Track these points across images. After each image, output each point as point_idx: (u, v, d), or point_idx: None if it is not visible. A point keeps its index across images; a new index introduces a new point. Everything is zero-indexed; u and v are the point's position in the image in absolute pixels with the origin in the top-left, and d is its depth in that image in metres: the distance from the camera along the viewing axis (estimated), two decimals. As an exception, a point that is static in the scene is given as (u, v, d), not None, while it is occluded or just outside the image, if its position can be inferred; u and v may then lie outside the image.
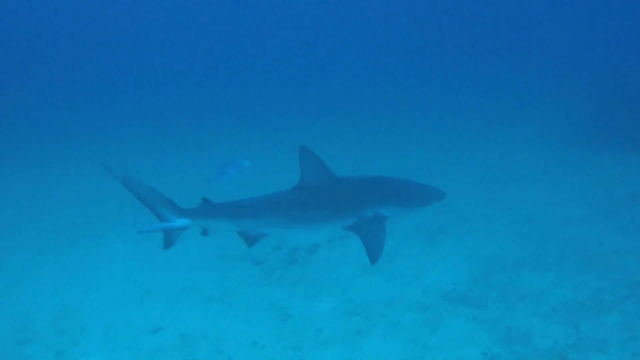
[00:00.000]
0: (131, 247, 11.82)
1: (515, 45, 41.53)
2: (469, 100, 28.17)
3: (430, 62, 41.02)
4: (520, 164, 16.08)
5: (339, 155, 16.31)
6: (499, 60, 38.35)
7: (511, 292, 8.85)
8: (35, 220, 13.99)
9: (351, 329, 8.28)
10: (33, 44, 51.27)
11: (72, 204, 15.26)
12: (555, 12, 44.18)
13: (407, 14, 50.94)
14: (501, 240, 10.87)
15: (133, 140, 24.53)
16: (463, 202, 12.72)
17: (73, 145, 24.08)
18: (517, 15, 46.38)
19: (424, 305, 8.72)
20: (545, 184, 14.14)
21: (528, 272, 9.47)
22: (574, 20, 41.66)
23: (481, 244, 10.79)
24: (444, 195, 7.14)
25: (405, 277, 9.69)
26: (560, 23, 42.01)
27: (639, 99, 18.86)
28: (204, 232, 7.31)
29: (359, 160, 17.56)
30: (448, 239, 11.17)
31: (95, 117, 30.87)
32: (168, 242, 7.40)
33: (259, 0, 54.09)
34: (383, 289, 9.36)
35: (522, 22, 44.95)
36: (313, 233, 11.50)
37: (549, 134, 19.86)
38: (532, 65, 35.10)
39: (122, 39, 53.82)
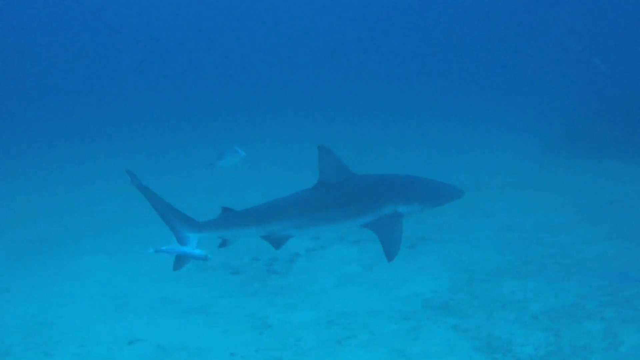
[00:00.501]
0: (108, 259, 11.67)
1: (498, 54, 41.64)
2: (451, 108, 28.29)
3: (419, 69, 41.19)
4: (501, 171, 16.09)
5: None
6: (482, 68, 38.48)
7: (492, 300, 8.80)
8: (10, 231, 13.77)
9: (331, 339, 8.16)
10: (20, 43, 50.66)
11: (50, 214, 15.08)
12: (538, 22, 44.40)
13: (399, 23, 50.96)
14: (482, 248, 10.85)
15: (131, 144, 24.50)
16: (444, 210, 12.65)
17: (57, 151, 23.99)
18: (500, 24, 46.56)
19: (405, 314, 8.63)
20: (527, 191, 14.16)
21: (509, 279, 9.43)
22: (555, 30, 41.88)
23: (462, 251, 10.76)
24: (463, 193, 7.21)
25: (386, 286, 9.61)
26: (542, 33, 42.19)
27: (620, 106, 18.96)
28: (223, 244, 7.12)
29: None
30: (429, 247, 11.13)
31: (85, 120, 30.63)
32: (179, 264, 7.18)
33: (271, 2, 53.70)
34: (363, 298, 9.27)
35: (506, 32, 45.10)
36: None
37: (531, 141, 19.93)
38: (514, 73, 35.25)
39: (120, 38, 53.22)
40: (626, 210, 12.28)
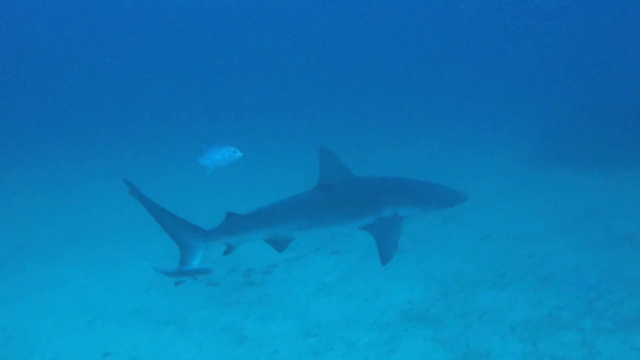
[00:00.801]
0: (82, 270, 11.53)
1: (473, 68, 41.90)
2: (437, 115, 28.50)
3: (412, 73, 41.47)
4: (477, 183, 16.11)
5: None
6: (457, 81, 38.69)
7: (469, 311, 8.77)
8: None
9: (308, 350, 8.11)
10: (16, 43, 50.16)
11: (25, 223, 14.91)
12: (509, 35, 44.81)
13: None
14: (459, 259, 10.81)
15: (124, 147, 24.37)
16: (421, 221, 12.64)
17: (43, 154, 23.86)
18: (474, 36, 46.90)
19: (382, 326, 8.58)
20: (502, 202, 14.17)
21: (486, 290, 9.41)
22: (526, 44, 42.30)
23: (439, 263, 10.72)
24: (465, 198, 7.18)
25: (363, 297, 9.56)
26: (514, 48, 42.58)
27: (592, 118, 19.12)
28: (228, 251, 7.00)
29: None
30: (405, 258, 11.07)
31: (72, 124, 30.42)
32: (184, 272, 6.99)
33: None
34: (340, 309, 9.21)
35: (479, 45, 45.42)
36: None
37: (506, 154, 20.01)
38: (488, 87, 35.47)
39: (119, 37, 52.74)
40: (603, 220, 12.31)
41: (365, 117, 29.14)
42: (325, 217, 6.89)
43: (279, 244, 6.95)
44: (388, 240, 6.71)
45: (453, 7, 48.21)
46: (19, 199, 17.53)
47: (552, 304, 8.73)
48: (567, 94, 25.29)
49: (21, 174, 20.86)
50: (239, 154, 11.29)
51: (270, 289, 10.20)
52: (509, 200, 14.23)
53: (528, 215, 12.95)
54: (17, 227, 14.54)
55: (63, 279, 11.16)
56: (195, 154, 11.41)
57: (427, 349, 7.87)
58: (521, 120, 24.96)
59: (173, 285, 10.33)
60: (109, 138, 26.78)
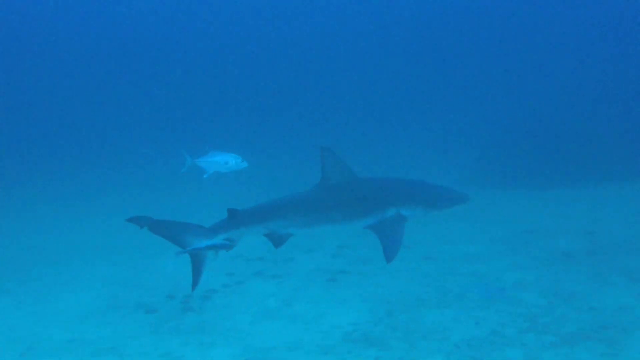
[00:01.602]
0: (15, 298, 11.09)
1: (416, 87, 42.21)
2: (382, 132, 28.72)
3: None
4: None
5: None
6: (400, 99, 38.99)
7: (413, 331, 8.69)
8: None
9: (250, 376, 7.90)
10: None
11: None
12: (451, 55, 45.44)
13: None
14: (401, 280, 10.77)
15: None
16: (362, 242, 12.56)
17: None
18: (418, 55, 47.40)
19: (324, 348, 8.41)
20: (444, 222, 14.20)
21: (429, 309, 9.36)
22: (470, 64, 42.94)
23: (381, 283, 10.65)
24: (468, 198, 7.24)
25: (305, 320, 9.38)
26: (457, 68, 43.14)
27: (530, 139, 19.44)
28: (230, 247, 6.91)
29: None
30: (348, 280, 11.00)
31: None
32: (197, 274, 6.91)
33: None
34: (282, 333, 9.01)
35: (424, 63, 45.89)
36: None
37: (447, 175, 20.16)
38: (429, 107, 35.82)
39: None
40: (542, 239, 12.46)
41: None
42: (328, 215, 6.98)
43: (277, 240, 6.95)
44: (392, 241, 6.81)
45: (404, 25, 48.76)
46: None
47: (495, 321, 8.73)
48: (506, 116, 25.68)
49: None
50: (245, 164, 11.00)
51: (209, 315, 9.94)
52: (451, 220, 14.27)
53: (469, 235, 13.04)
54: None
55: (-8, 311, 10.72)
56: (192, 155, 11.11)
57: (372, 370, 7.75)
58: (462, 142, 25.24)
59: (111, 312, 10.09)
60: (67, 154, 26.26)
